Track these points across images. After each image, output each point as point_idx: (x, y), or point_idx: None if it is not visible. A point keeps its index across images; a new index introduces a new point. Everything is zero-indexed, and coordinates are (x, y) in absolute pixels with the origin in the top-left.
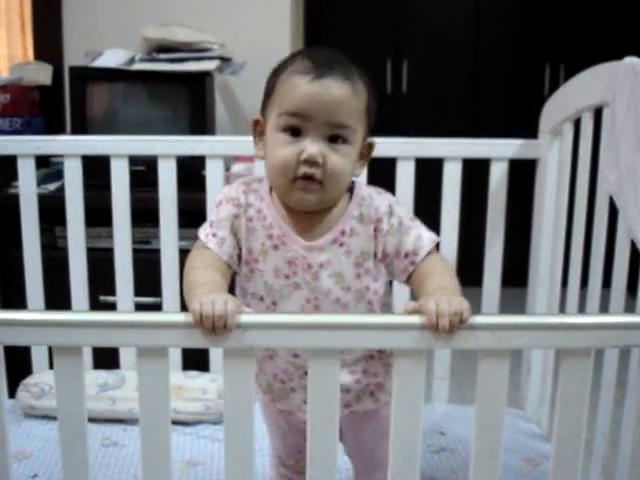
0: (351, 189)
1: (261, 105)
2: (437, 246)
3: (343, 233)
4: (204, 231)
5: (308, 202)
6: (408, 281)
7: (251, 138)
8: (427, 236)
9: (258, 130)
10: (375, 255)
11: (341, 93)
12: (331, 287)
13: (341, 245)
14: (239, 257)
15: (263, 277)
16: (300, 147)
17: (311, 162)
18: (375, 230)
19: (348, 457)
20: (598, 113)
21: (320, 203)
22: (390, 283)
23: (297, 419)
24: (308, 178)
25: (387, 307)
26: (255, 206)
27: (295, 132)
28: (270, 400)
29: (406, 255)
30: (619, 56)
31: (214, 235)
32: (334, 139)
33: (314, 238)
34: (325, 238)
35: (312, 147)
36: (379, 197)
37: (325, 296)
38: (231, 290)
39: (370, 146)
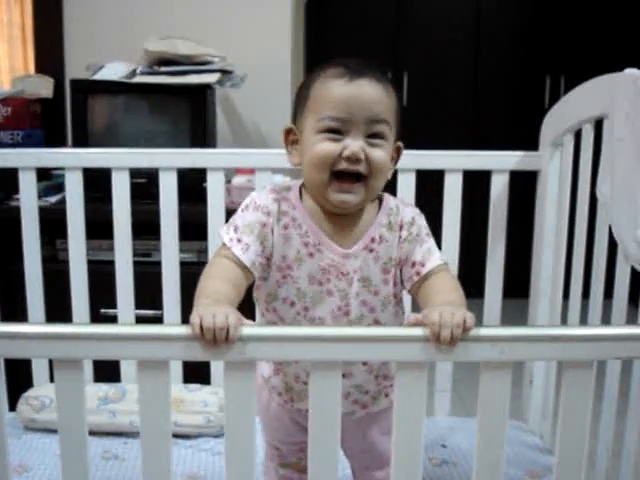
0: (380, 200)
1: (293, 114)
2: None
3: (373, 240)
4: (228, 235)
5: (348, 203)
6: (414, 292)
7: (251, 150)
8: (437, 254)
9: (290, 139)
10: (397, 262)
11: (376, 91)
12: (359, 290)
13: (371, 251)
14: (262, 264)
15: (296, 283)
16: (342, 145)
17: (354, 159)
18: (399, 237)
19: (347, 457)
20: (599, 125)
21: (359, 203)
22: None
23: None
24: (350, 179)
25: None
26: (289, 214)
27: (335, 132)
28: (287, 400)
29: (413, 264)
30: (619, 68)
31: (239, 240)
32: (372, 136)
33: (348, 245)
34: (358, 245)
35: (354, 144)
36: (405, 208)
37: (354, 298)
38: (248, 296)
39: (399, 149)
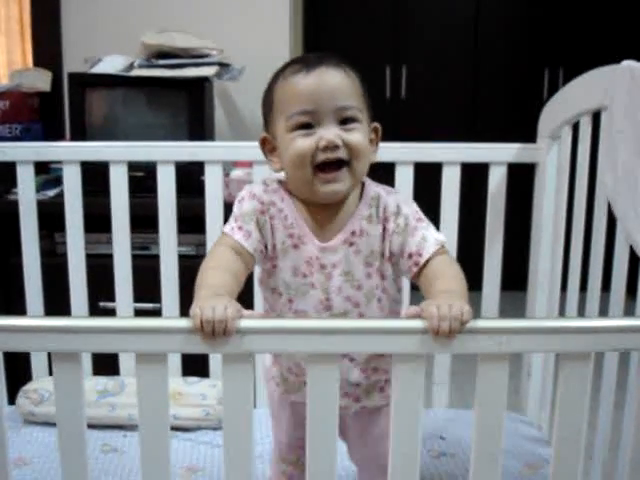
0: (361, 188)
1: (264, 122)
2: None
3: (353, 233)
4: (229, 225)
5: (338, 193)
6: (415, 280)
7: (249, 143)
8: (432, 238)
9: (267, 148)
10: (383, 254)
11: (336, 78)
12: (341, 285)
13: (351, 245)
14: (261, 251)
15: (282, 274)
16: (316, 137)
17: (331, 147)
18: (383, 230)
19: (352, 461)
20: (596, 117)
21: (349, 189)
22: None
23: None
24: (333, 168)
25: (397, 303)
26: (277, 205)
27: (307, 126)
28: (284, 392)
29: (410, 256)
30: (618, 60)
31: (240, 228)
32: (345, 121)
33: (327, 239)
34: (337, 239)
35: (328, 133)
36: (388, 197)
37: (336, 294)
38: (249, 283)
39: (376, 130)
